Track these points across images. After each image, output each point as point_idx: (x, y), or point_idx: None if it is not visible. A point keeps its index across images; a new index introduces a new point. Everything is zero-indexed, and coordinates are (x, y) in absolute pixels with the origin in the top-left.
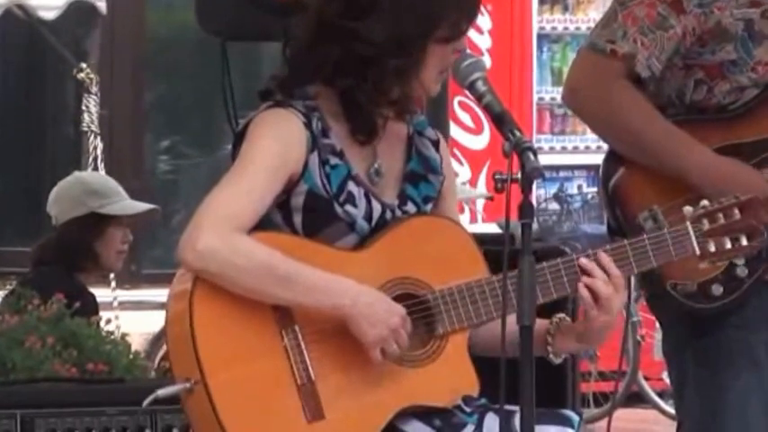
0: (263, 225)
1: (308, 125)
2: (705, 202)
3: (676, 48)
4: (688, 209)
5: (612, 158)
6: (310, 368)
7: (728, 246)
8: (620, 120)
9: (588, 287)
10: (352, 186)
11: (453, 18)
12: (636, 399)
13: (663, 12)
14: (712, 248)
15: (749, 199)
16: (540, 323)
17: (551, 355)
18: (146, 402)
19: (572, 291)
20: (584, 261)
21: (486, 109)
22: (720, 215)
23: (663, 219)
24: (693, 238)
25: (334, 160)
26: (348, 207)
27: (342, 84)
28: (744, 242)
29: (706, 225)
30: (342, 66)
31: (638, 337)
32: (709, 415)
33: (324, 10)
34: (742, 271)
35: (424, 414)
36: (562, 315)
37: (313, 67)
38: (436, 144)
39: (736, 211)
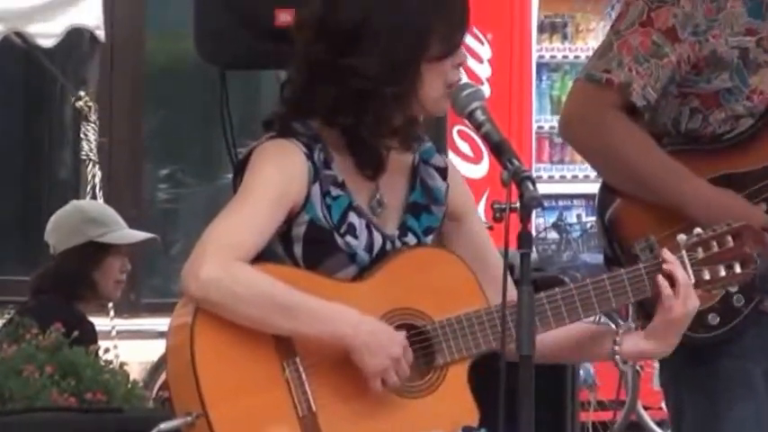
0: (264, 256)
1: (309, 156)
2: (698, 230)
3: (671, 76)
4: (681, 237)
5: (608, 188)
6: (311, 399)
7: (723, 273)
8: (614, 152)
9: (668, 275)
10: (353, 217)
11: (442, 33)
12: (635, 428)
13: (657, 40)
14: (707, 276)
15: (741, 226)
16: (604, 328)
17: (618, 359)
18: None
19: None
20: (667, 254)
21: (485, 138)
22: (714, 243)
23: (658, 248)
24: (689, 266)
25: (335, 191)
26: (349, 238)
27: (343, 122)
28: (737, 269)
29: (701, 253)
30: (340, 104)
31: (638, 367)
32: None
33: (311, 51)
34: (738, 300)
35: None
36: (627, 322)
37: (311, 107)
38: (443, 171)
39: (730, 239)
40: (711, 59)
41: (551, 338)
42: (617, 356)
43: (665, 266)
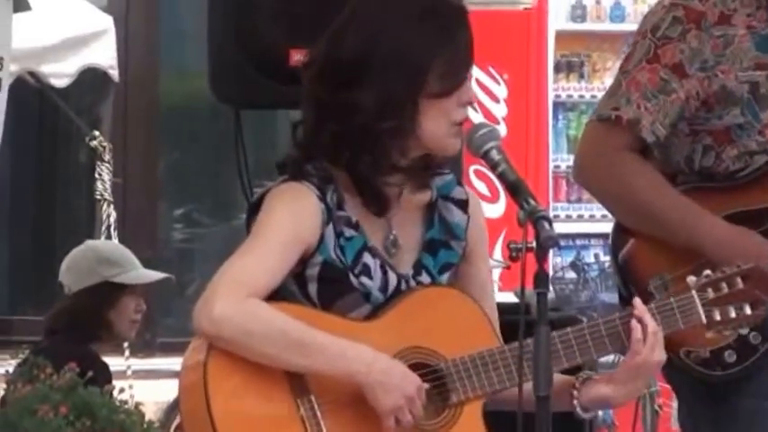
0: (279, 295)
1: (322, 198)
2: (708, 272)
3: (680, 112)
4: (691, 278)
5: (622, 228)
6: None
7: (733, 314)
8: (627, 192)
9: (639, 321)
10: (367, 258)
11: (442, 71)
12: None
13: (665, 76)
14: (717, 317)
15: (751, 268)
16: (563, 378)
17: (578, 408)
18: None
19: (614, 349)
20: (637, 302)
21: (501, 178)
22: (724, 284)
23: (672, 286)
24: (700, 307)
25: (349, 232)
26: (363, 279)
27: (342, 158)
28: (747, 311)
29: (711, 294)
30: (340, 141)
31: (656, 407)
32: None
33: (316, 89)
34: (755, 338)
35: None
36: (588, 371)
37: (317, 147)
38: (464, 204)
39: (739, 280)
40: (721, 95)
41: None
42: (577, 407)
43: (635, 313)
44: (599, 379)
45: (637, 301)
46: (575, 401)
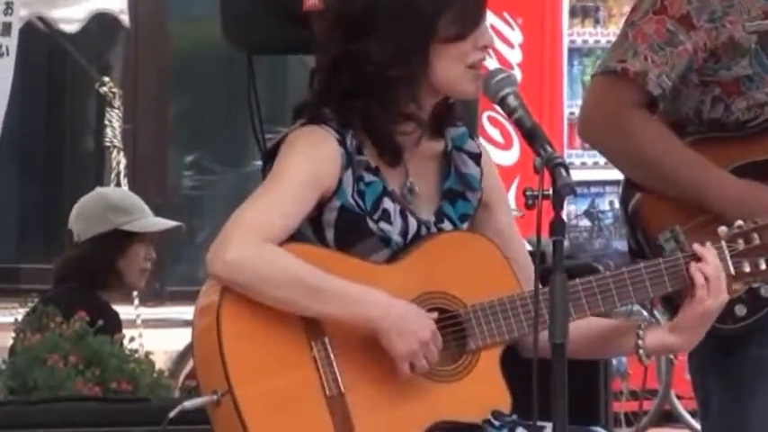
0: (294, 239)
1: (342, 142)
2: (740, 222)
3: (688, 64)
4: (723, 229)
5: (629, 182)
6: (340, 380)
7: (764, 266)
8: (634, 150)
9: (700, 270)
10: (387, 203)
11: (454, 15)
12: (668, 418)
13: (672, 28)
14: (747, 269)
15: None
16: (619, 323)
17: (642, 354)
18: (172, 414)
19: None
20: (697, 246)
21: (518, 124)
22: (756, 235)
23: (684, 239)
24: (729, 259)
25: (368, 177)
26: (383, 224)
27: (354, 108)
28: None
29: (741, 245)
30: (352, 90)
31: (671, 356)
32: None
33: (329, 39)
34: (766, 291)
35: (453, 430)
36: (647, 317)
37: (332, 96)
38: (477, 157)
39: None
40: (729, 46)
41: (577, 333)
42: (641, 351)
43: (697, 256)
44: (663, 326)
45: (697, 246)
46: (640, 348)
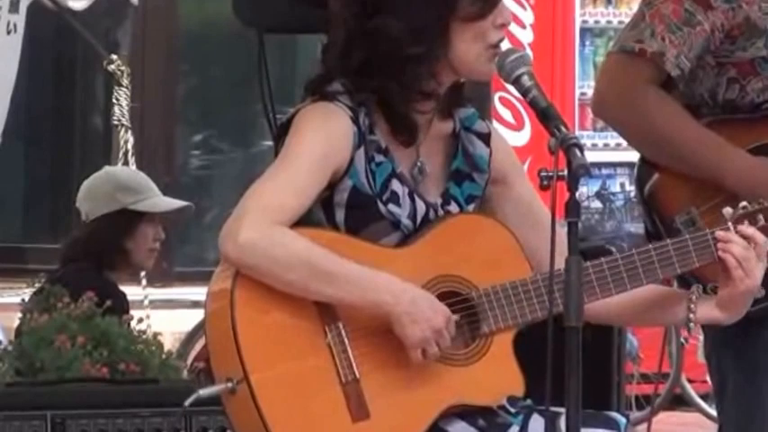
0: (305, 222)
1: (354, 120)
2: (745, 203)
3: (705, 45)
4: (728, 210)
5: (646, 162)
6: (354, 366)
7: None
8: (650, 127)
9: (728, 252)
10: (396, 185)
11: None
12: (679, 401)
13: (689, 8)
14: None
15: None
16: (669, 291)
17: (692, 323)
18: (187, 402)
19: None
20: (720, 233)
21: (532, 104)
22: (761, 216)
23: (700, 220)
24: None
25: (379, 158)
26: (391, 206)
27: (370, 86)
28: None
29: (746, 227)
30: (368, 67)
31: (682, 339)
32: (746, 418)
33: (345, 15)
34: None
35: (467, 414)
36: (698, 285)
37: (346, 72)
38: (486, 137)
39: None
40: (745, 26)
41: (619, 299)
42: (691, 323)
43: (722, 246)
44: (711, 300)
45: (720, 233)
46: (691, 318)
